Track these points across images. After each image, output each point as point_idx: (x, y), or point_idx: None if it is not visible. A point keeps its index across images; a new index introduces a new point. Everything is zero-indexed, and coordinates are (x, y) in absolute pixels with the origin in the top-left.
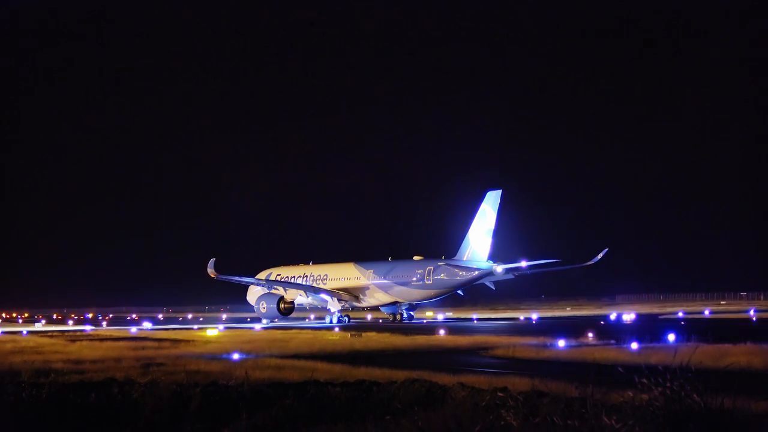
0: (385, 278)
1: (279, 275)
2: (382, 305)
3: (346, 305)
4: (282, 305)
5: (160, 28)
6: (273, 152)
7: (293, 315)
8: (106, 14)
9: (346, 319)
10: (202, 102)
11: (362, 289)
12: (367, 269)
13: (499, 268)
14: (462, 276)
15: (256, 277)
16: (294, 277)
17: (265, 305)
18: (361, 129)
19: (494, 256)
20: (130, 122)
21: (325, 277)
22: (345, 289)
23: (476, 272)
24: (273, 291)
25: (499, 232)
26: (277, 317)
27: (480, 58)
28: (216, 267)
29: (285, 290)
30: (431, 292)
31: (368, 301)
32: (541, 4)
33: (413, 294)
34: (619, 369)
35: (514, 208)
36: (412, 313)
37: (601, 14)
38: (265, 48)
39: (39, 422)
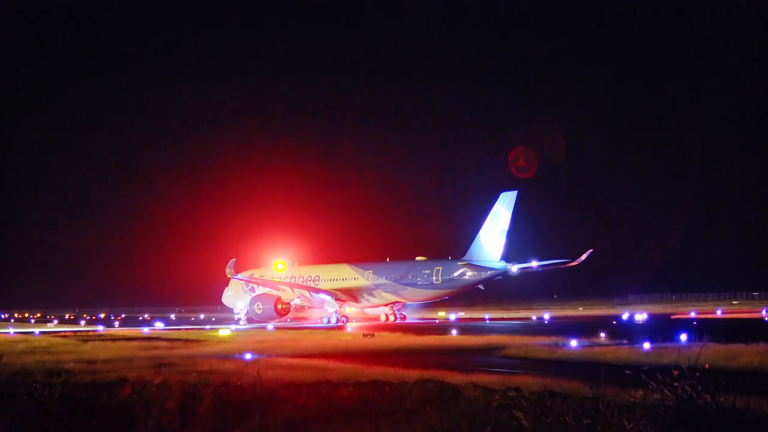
0: (387, 279)
1: (261, 276)
2: (380, 306)
3: (344, 306)
4: (279, 306)
5: (157, 25)
6: (271, 152)
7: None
8: (102, 12)
9: (344, 319)
10: (199, 103)
11: (363, 290)
12: (366, 270)
13: (515, 268)
14: (476, 276)
15: (232, 279)
16: (280, 278)
17: (260, 306)
18: (359, 132)
19: (507, 257)
20: (135, 122)
21: (317, 278)
22: (343, 290)
23: (491, 272)
24: (268, 292)
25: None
26: (273, 318)
27: (488, 56)
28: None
29: (293, 290)
30: (440, 292)
31: (372, 301)
32: (555, 4)
33: (420, 294)
34: (627, 371)
35: (523, 208)
36: (404, 313)
37: (613, 16)
38: (264, 41)
39: (51, 422)
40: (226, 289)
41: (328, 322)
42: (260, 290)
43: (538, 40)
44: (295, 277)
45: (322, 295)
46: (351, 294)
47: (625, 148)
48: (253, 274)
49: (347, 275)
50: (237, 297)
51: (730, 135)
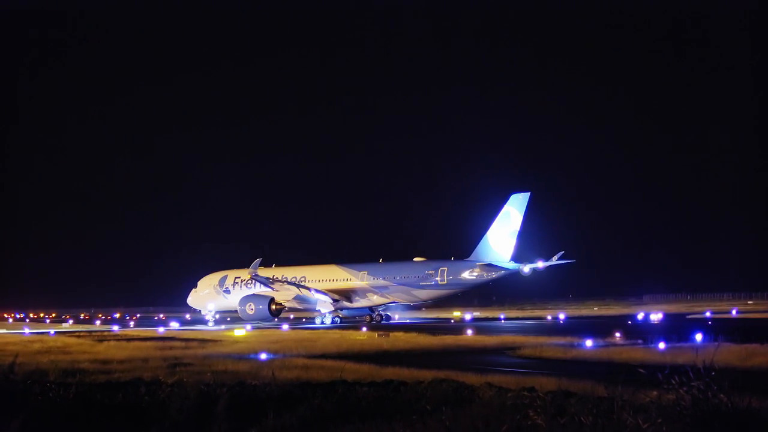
0: (386, 279)
1: (239, 278)
2: (372, 306)
3: (338, 306)
4: (273, 306)
5: (154, 22)
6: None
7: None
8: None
9: (338, 320)
10: (193, 101)
11: (359, 291)
12: (359, 270)
13: (527, 269)
14: (487, 276)
15: (201, 280)
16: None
17: (253, 306)
18: (356, 130)
19: (517, 257)
20: (135, 121)
21: (302, 280)
22: (338, 291)
23: (503, 272)
24: (261, 291)
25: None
26: (266, 319)
27: (491, 56)
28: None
29: (299, 290)
30: (443, 292)
31: (373, 300)
32: (567, 6)
33: (422, 294)
34: (641, 370)
35: (534, 208)
36: (390, 314)
37: (624, 18)
38: (263, 38)
39: (66, 422)
40: (194, 290)
41: (322, 322)
42: (237, 290)
43: (546, 40)
44: (278, 278)
45: (320, 295)
46: (345, 295)
47: (639, 147)
48: (226, 276)
49: (338, 276)
50: (208, 298)
51: (742, 134)
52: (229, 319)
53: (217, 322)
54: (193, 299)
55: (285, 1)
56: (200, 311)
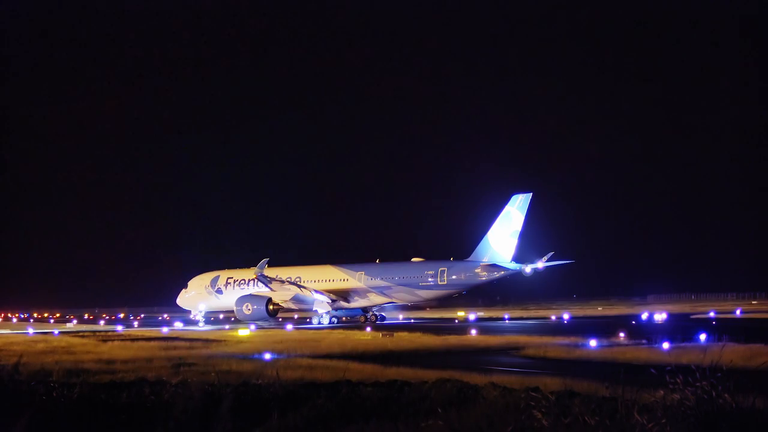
0: (384, 280)
1: (231, 278)
2: (367, 306)
3: (335, 306)
4: (271, 306)
5: (153, 21)
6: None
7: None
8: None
9: (335, 320)
10: (191, 100)
11: (357, 291)
12: (356, 271)
13: (528, 269)
14: (488, 277)
15: (191, 281)
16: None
17: (250, 306)
18: (354, 130)
19: (519, 258)
20: (136, 121)
21: (299, 279)
22: (336, 291)
23: (504, 272)
24: (257, 292)
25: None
26: (263, 319)
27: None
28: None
29: (300, 290)
30: (443, 292)
31: (373, 300)
32: (572, 6)
33: (423, 294)
34: (652, 370)
35: (537, 208)
36: (384, 314)
37: (624, 18)
38: (262, 39)
39: (70, 422)
40: (183, 290)
41: (319, 322)
42: (231, 290)
43: (546, 40)
44: (276, 278)
45: (318, 296)
46: (344, 295)
47: (641, 147)
48: (218, 277)
49: (334, 276)
50: (199, 298)
51: (743, 134)
52: (233, 319)
53: (219, 323)
54: (183, 300)
55: (285, 1)
56: (190, 312)
